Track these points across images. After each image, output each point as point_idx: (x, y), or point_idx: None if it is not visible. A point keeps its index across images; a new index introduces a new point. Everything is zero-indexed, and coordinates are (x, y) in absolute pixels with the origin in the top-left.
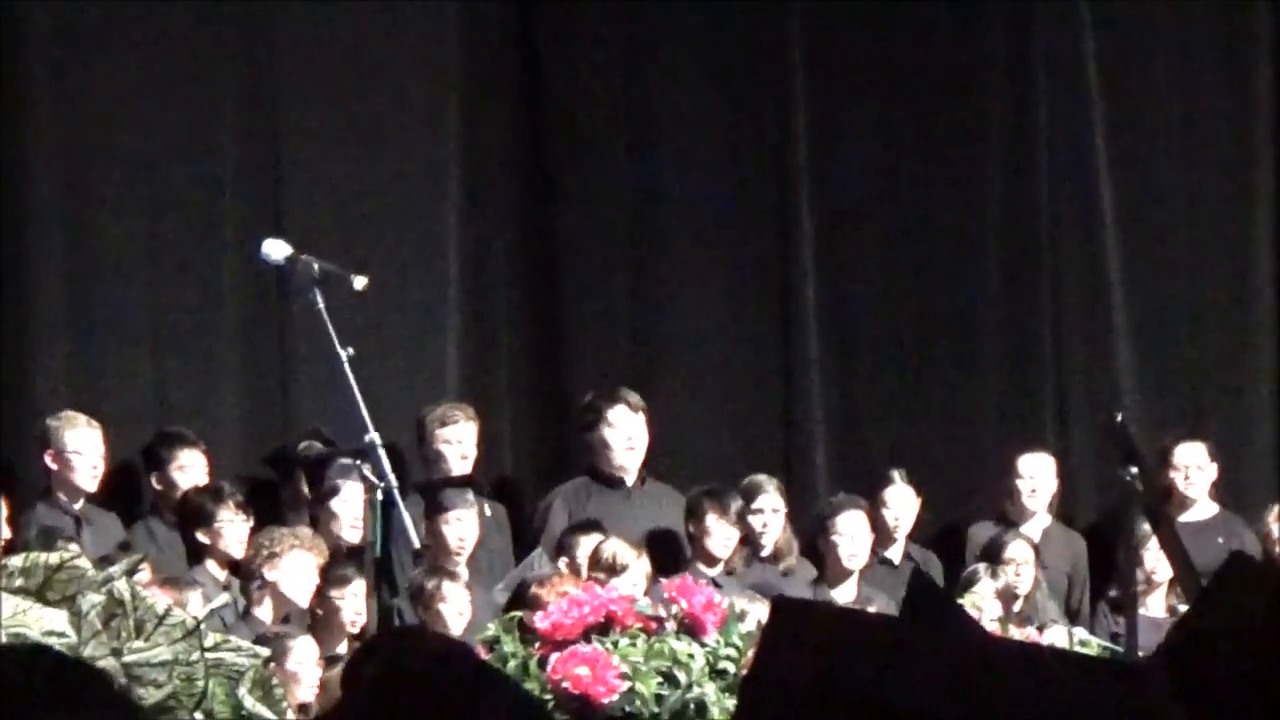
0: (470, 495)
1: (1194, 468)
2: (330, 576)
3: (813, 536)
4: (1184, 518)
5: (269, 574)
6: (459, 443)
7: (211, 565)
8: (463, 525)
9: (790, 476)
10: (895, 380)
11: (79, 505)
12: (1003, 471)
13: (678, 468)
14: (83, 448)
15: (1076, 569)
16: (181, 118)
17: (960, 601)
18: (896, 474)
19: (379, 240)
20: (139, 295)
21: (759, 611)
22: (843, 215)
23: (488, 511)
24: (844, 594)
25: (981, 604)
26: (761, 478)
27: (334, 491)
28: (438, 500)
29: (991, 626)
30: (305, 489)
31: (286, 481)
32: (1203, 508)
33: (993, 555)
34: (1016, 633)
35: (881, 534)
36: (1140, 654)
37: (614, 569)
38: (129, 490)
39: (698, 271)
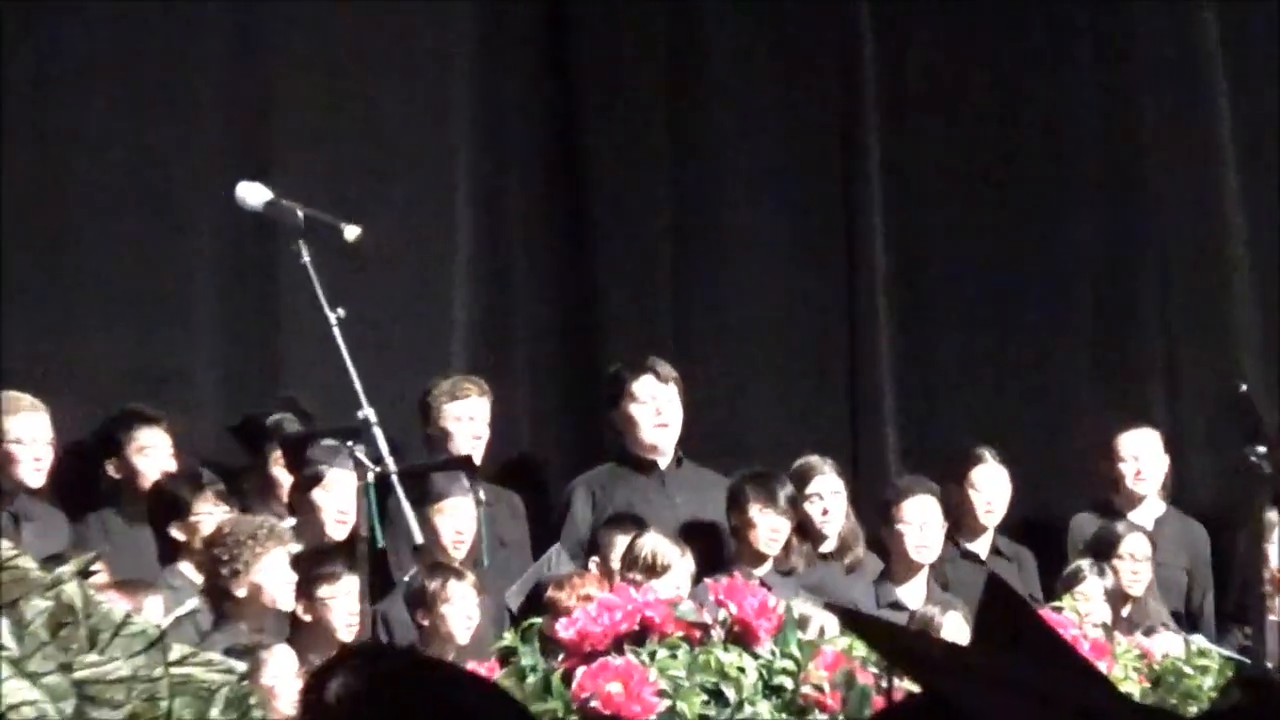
0: (464, 480)
1: None
2: (317, 576)
3: (877, 526)
4: None
5: (240, 584)
6: (470, 420)
7: (186, 566)
8: (458, 515)
9: (857, 458)
10: (976, 346)
11: (17, 501)
12: (1103, 453)
13: (727, 450)
14: (25, 435)
15: (1197, 564)
16: (157, 45)
17: (1060, 604)
18: (987, 452)
19: (376, 186)
20: (106, 250)
21: (821, 616)
22: (915, 159)
23: (483, 497)
24: (911, 593)
25: (1087, 606)
26: (815, 458)
27: (317, 478)
28: (427, 487)
29: (1095, 633)
30: (276, 472)
31: (254, 463)
32: None
33: (1103, 549)
34: (1124, 640)
35: (968, 523)
36: (1271, 663)
37: (654, 569)
38: (83, 478)
39: (749, 225)
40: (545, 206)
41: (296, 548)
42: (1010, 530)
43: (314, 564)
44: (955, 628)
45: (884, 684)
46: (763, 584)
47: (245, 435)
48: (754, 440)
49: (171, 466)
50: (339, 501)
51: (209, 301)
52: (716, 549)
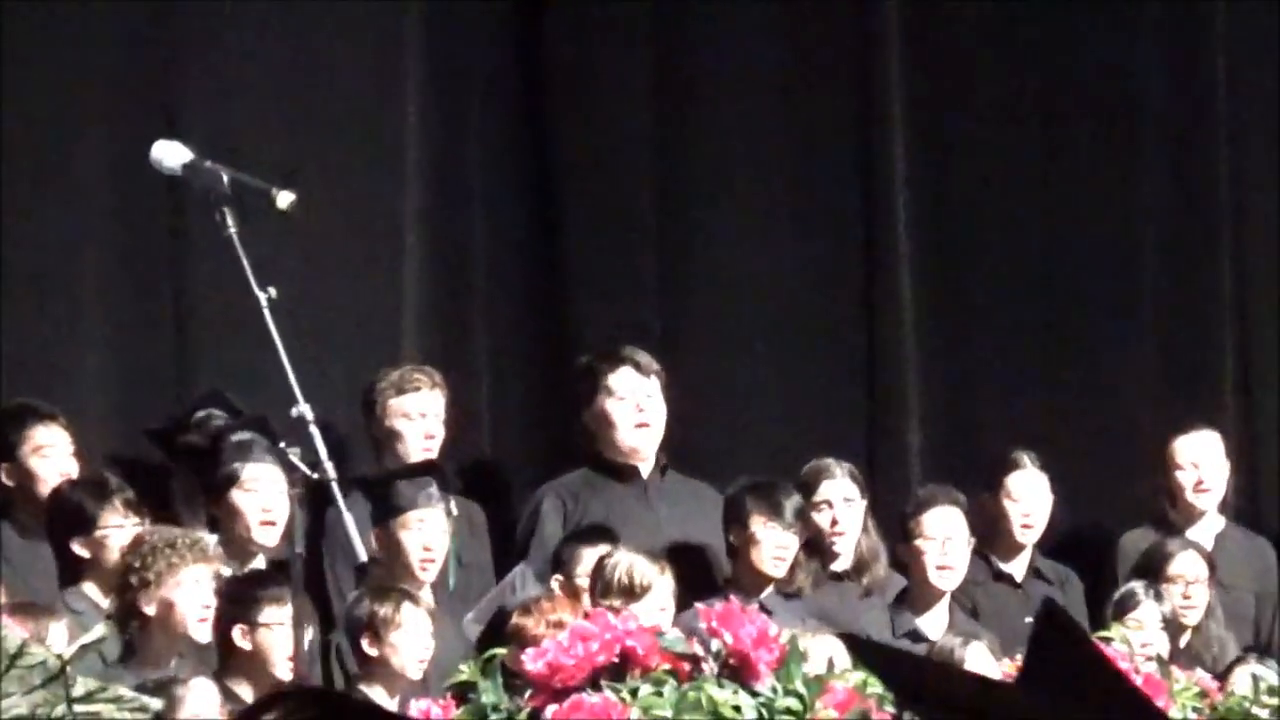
0: (434, 489)
1: None
2: (261, 597)
3: (895, 542)
4: None
5: (149, 598)
6: (422, 417)
7: (91, 587)
8: (427, 530)
9: (875, 462)
10: (1015, 334)
11: None
12: (1158, 460)
13: (721, 456)
14: None
15: (1265, 588)
16: None
17: (1109, 634)
18: (1026, 457)
19: (314, 147)
20: None
21: (828, 646)
22: (947, 118)
23: (454, 510)
24: (933, 622)
25: (1142, 636)
26: (828, 461)
27: (232, 478)
28: (391, 498)
29: (1148, 668)
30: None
31: (179, 466)
32: None
33: (1152, 569)
34: (1183, 678)
35: (1002, 540)
36: None
37: (631, 591)
38: None
39: (747, 194)
40: (509, 176)
41: (226, 571)
42: (1051, 548)
43: (256, 584)
44: (979, 661)
45: None
46: (762, 609)
47: (167, 439)
48: (754, 443)
49: (73, 470)
50: (262, 500)
51: (106, 280)
52: (706, 571)
